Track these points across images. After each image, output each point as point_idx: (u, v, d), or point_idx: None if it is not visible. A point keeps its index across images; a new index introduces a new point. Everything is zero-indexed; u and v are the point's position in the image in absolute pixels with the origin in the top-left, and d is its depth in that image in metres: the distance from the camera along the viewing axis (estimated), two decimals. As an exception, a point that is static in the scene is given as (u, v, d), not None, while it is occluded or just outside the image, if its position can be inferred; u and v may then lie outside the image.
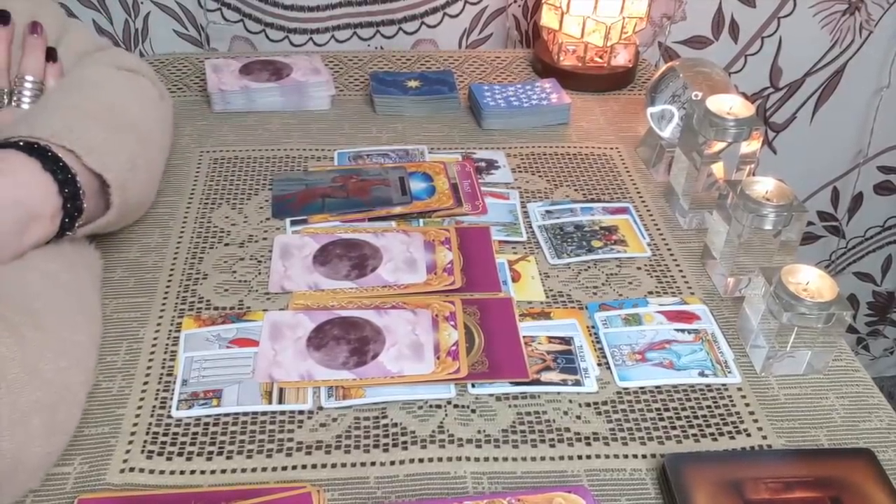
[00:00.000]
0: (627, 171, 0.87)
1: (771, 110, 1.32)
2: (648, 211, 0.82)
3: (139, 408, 0.59)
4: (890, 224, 1.46)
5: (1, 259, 0.56)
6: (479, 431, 0.58)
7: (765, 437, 0.59)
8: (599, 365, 0.64)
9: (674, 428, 0.59)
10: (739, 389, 0.62)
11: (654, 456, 0.57)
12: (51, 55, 0.72)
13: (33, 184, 0.58)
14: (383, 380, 0.61)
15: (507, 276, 0.72)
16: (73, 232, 0.62)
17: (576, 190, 0.84)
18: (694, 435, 0.59)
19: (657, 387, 0.62)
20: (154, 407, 0.59)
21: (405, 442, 0.57)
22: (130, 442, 0.56)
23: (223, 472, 0.55)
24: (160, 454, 0.56)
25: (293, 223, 0.77)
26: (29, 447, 0.50)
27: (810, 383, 0.63)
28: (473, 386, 0.61)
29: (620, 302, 0.70)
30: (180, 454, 0.56)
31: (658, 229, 0.79)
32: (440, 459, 0.56)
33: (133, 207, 0.70)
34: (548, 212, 0.80)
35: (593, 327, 0.67)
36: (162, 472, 0.54)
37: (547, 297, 0.70)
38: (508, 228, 0.78)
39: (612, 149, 0.91)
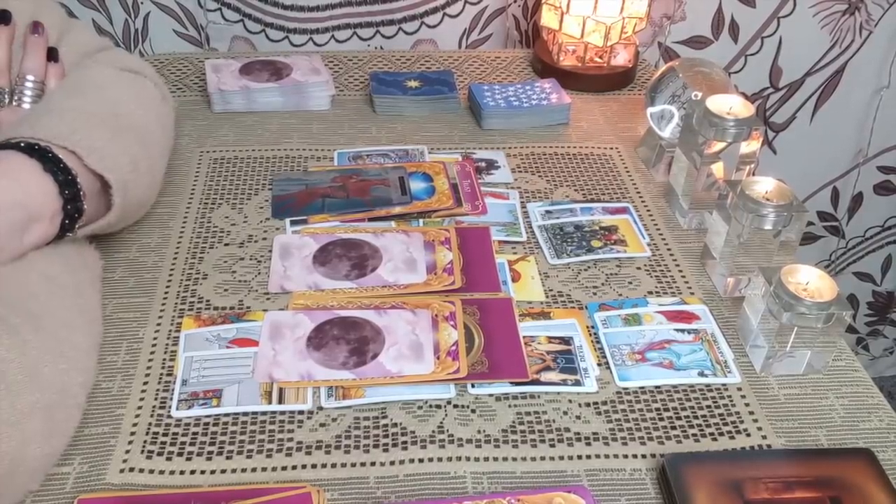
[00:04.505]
0: (627, 171, 0.87)
1: (771, 110, 1.32)
2: (648, 211, 0.82)
3: (139, 408, 0.59)
4: (890, 224, 1.46)
5: (0, 260, 0.56)
6: (478, 431, 0.58)
7: (764, 437, 0.59)
8: (599, 365, 0.64)
9: (673, 428, 0.59)
10: (739, 389, 0.62)
11: (653, 456, 0.57)
12: (52, 55, 0.72)
13: (33, 185, 0.58)
14: (383, 380, 0.61)
15: (506, 276, 0.72)
16: (73, 233, 0.62)
17: (575, 190, 0.84)
18: (694, 435, 0.59)
19: (657, 387, 0.62)
20: (154, 407, 0.59)
21: (405, 442, 0.57)
22: (130, 442, 0.56)
23: (223, 472, 0.55)
24: (160, 454, 0.56)
25: (293, 223, 0.77)
26: (27, 448, 0.50)
27: (810, 383, 0.63)
28: (473, 386, 0.61)
29: (620, 302, 0.70)
30: (180, 454, 0.56)
31: (658, 229, 0.79)
32: (440, 459, 0.56)
33: (134, 208, 0.70)
34: (547, 212, 0.80)
35: (593, 327, 0.67)
36: (162, 472, 0.54)
37: (547, 297, 0.70)
38: (508, 228, 0.78)
39: (611, 149, 0.91)
